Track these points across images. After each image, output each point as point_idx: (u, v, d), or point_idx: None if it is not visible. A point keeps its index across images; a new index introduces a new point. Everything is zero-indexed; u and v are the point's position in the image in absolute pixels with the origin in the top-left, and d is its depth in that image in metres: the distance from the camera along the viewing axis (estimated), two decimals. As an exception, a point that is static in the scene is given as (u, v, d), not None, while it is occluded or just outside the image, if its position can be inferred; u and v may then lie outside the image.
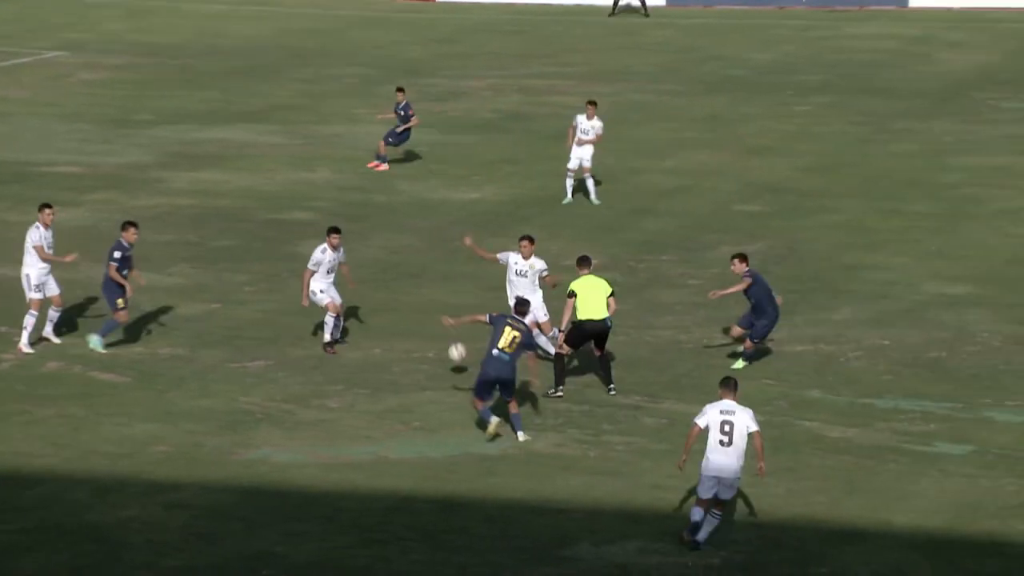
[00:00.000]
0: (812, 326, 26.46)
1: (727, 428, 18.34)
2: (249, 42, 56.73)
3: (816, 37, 58.15)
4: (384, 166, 37.05)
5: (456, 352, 22.95)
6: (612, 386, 23.34)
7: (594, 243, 31.35)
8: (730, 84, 48.64)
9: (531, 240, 24.56)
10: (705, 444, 18.38)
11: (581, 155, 33.97)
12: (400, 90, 37.59)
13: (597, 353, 23.57)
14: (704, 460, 18.42)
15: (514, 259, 24.50)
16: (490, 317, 22.00)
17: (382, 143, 37.13)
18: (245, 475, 20.38)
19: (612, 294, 23.51)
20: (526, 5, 67.22)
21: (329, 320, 24.78)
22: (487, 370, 21.53)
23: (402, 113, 37.04)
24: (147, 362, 24.44)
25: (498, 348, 21.56)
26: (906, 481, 20.49)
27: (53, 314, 25.12)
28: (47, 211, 25.23)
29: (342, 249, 25.16)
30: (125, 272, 24.80)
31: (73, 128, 41.38)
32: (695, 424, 18.48)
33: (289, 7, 64.97)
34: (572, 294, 23.47)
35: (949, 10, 64.38)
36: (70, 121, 42.29)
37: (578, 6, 66.88)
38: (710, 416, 18.45)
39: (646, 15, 63.00)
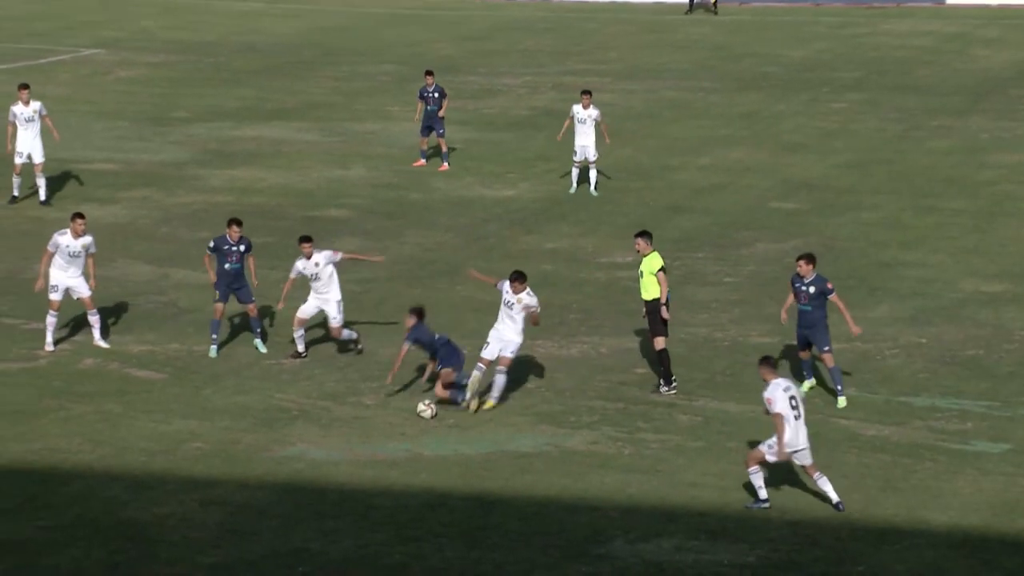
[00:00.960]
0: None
1: (794, 403, 19.18)
2: (283, 40, 56.86)
3: (852, 34, 57.95)
4: (445, 164, 36.59)
5: (428, 411, 22.33)
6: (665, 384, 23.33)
7: (629, 240, 31.28)
8: (765, 81, 48.51)
9: (521, 280, 22.75)
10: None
11: (584, 144, 34.31)
12: (430, 73, 37.10)
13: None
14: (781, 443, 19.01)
15: (505, 289, 22.83)
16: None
17: (443, 141, 36.54)
18: (281, 472, 20.43)
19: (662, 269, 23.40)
20: (560, 2, 67.19)
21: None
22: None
23: (436, 96, 36.43)
24: (183, 359, 24.52)
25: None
26: (943, 480, 20.39)
27: (92, 319, 24.92)
28: (78, 221, 24.83)
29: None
30: (227, 266, 24.67)
31: (110, 125, 41.55)
32: (778, 413, 19.00)
33: (323, 4, 65.10)
34: (663, 269, 23.29)
35: (986, 7, 64.09)
36: (107, 119, 42.46)
37: (613, 3, 66.82)
38: (780, 398, 19.09)
39: (715, 12, 62.95)
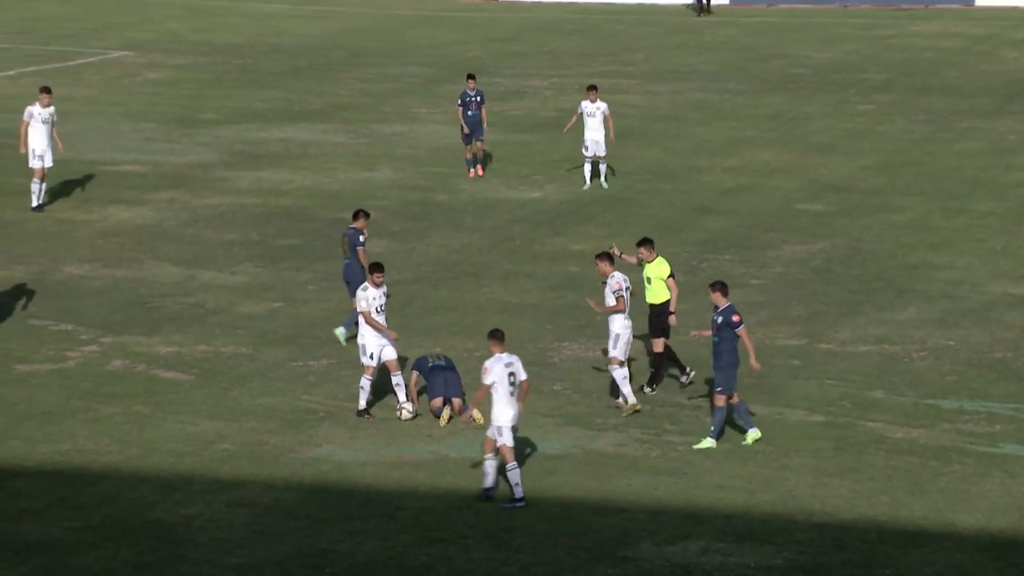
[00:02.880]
0: (876, 326, 26.29)
1: (512, 380, 19.36)
2: (310, 41, 56.97)
3: (880, 36, 57.80)
4: (480, 169, 36.12)
5: (407, 412, 22.14)
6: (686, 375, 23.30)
7: (656, 242, 31.27)
8: (793, 83, 48.42)
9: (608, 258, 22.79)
10: None
11: (595, 139, 34.64)
12: (471, 77, 36.60)
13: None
14: None
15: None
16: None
17: (481, 145, 36.07)
18: (307, 473, 20.46)
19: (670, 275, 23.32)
20: (587, 4, 67.17)
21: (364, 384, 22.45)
22: None
23: (478, 100, 35.85)
24: (211, 360, 24.57)
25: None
26: (971, 482, 20.32)
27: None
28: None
29: None
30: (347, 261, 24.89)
31: (137, 127, 41.68)
32: (490, 383, 19.13)
33: (350, 6, 65.20)
34: (672, 275, 23.20)
35: (1016, 8, 63.82)
36: (134, 120, 42.59)
37: (640, 5, 66.75)
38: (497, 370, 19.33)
39: (703, 14, 62.91)
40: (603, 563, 18.07)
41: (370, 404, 22.33)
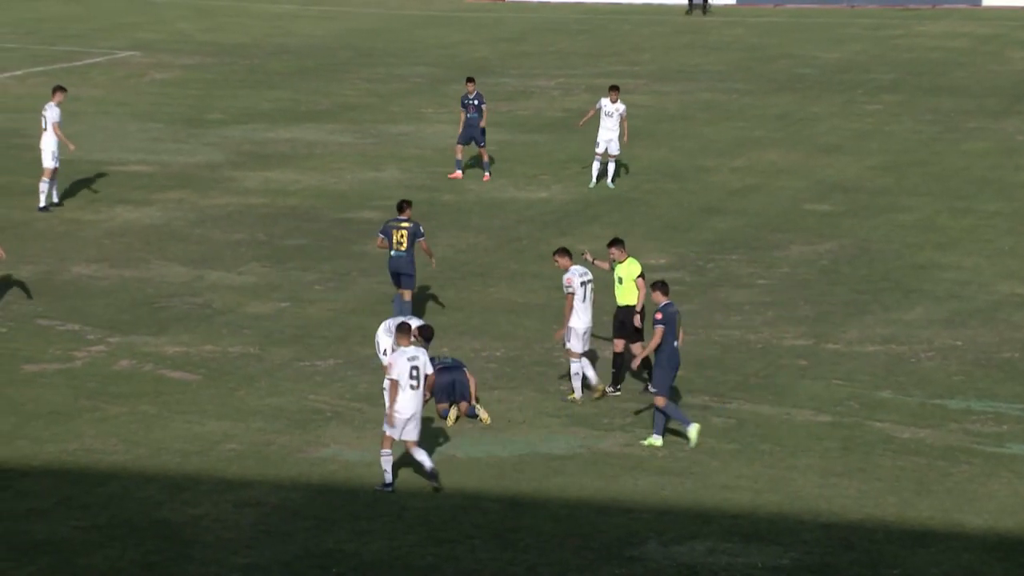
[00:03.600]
0: (883, 326, 26.28)
1: (415, 373, 19.35)
2: (318, 42, 57.00)
3: (887, 36, 57.76)
4: (487, 175, 36.04)
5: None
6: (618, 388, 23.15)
7: (663, 242, 31.31)
8: (800, 83, 48.40)
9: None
10: None
11: (608, 138, 34.90)
12: (471, 80, 36.48)
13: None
14: None
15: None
16: None
17: (484, 151, 35.96)
18: (315, 473, 20.47)
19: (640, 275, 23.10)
20: (594, 4, 67.18)
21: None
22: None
23: (476, 103, 35.74)
24: (217, 360, 24.58)
25: None
26: (978, 482, 20.30)
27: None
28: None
29: None
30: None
31: (145, 127, 41.71)
32: (393, 379, 19.28)
33: (357, 7, 65.24)
34: (642, 275, 23.03)
35: (1023, 9, 63.74)
36: (142, 120, 42.63)
37: (647, 5, 66.74)
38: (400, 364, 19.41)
39: (694, 12, 62.95)
40: (610, 563, 18.07)
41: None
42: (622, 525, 18.99)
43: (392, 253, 25.34)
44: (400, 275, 25.36)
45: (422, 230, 25.56)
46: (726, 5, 66.36)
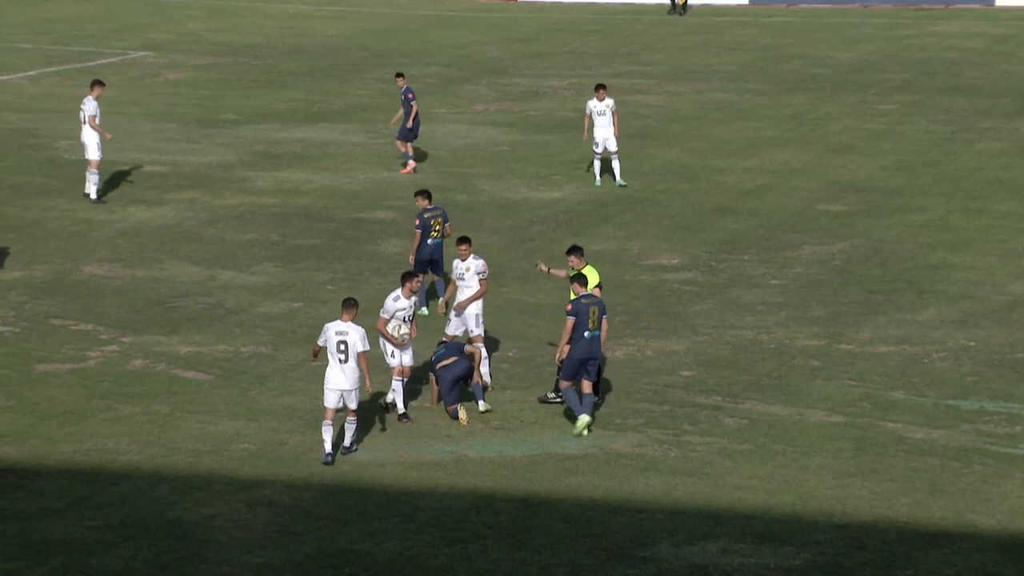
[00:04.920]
0: (896, 327, 26.25)
1: (342, 347, 20.46)
2: (330, 42, 57.04)
3: (900, 36, 57.69)
4: (412, 164, 36.65)
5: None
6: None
7: (675, 242, 31.30)
8: (813, 83, 48.35)
9: (467, 241, 23.58)
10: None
11: (605, 136, 35.25)
12: (400, 76, 37.44)
13: None
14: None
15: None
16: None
17: (399, 142, 36.73)
18: (327, 473, 20.48)
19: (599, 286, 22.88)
20: (607, 4, 67.16)
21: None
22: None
23: (403, 99, 36.40)
24: (230, 360, 24.62)
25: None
26: (991, 483, 20.27)
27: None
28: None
29: None
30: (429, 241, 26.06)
31: (157, 127, 41.77)
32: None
33: (370, 7, 65.29)
34: (600, 286, 22.76)
35: (1036, 7, 63.63)
36: (155, 120, 42.69)
37: (659, 5, 66.68)
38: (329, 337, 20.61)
39: (681, 13, 62.96)
40: (622, 563, 18.06)
41: (405, 405, 22.32)
42: (634, 525, 18.99)
43: (429, 241, 26.34)
44: (435, 261, 26.48)
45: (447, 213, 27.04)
46: (739, 5, 66.32)
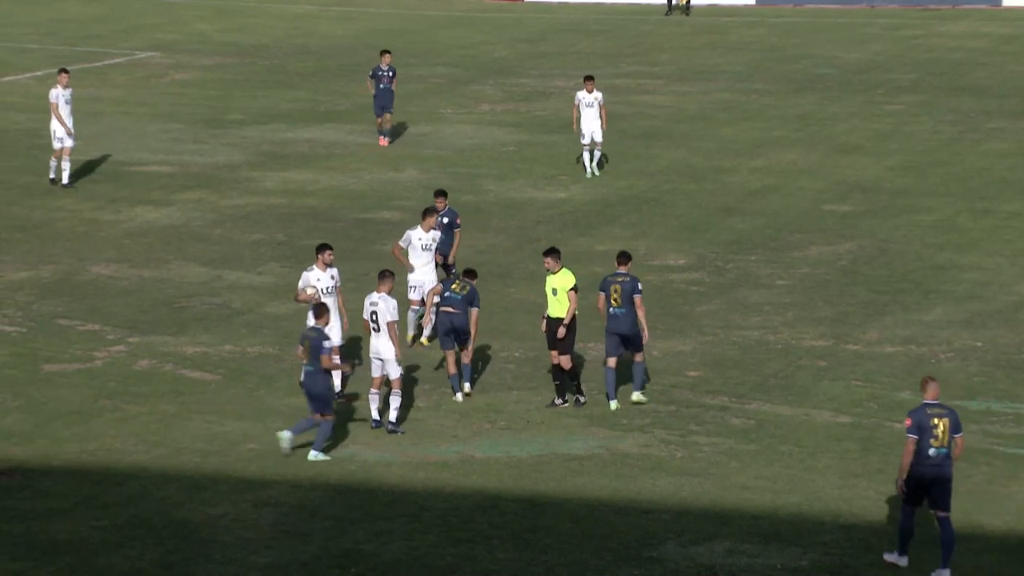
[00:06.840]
0: (903, 327, 26.22)
1: (375, 318, 22.04)
2: (337, 42, 57.04)
3: (907, 36, 57.63)
4: (384, 140, 38.71)
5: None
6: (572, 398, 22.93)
7: (682, 242, 31.29)
8: (820, 83, 48.31)
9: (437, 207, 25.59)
10: None
11: (592, 128, 36.04)
12: (387, 52, 39.23)
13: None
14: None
15: (416, 235, 25.11)
16: None
17: (388, 116, 38.78)
18: (333, 473, 20.49)
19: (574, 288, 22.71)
20: (613, 4, 67.13)
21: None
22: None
23: (390, 75, 38.59)
24: (237, 360, 24.63)
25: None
26: (998, 484, 20.24)
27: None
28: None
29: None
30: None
31: (164, 128, 41.79)
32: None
33: (377, 7, 65.29)
34: (575, 288, 22.59)
35: (1043, 7, 63.54)
36: (162, 121, 42.71)
37: (665, 6, 66.62)
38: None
39: (685, 13, 62.97)
40: (628, 564, 18.06)
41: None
42: (641, 526, 18.98)
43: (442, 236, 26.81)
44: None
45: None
46: (745, 5, 66.29)
